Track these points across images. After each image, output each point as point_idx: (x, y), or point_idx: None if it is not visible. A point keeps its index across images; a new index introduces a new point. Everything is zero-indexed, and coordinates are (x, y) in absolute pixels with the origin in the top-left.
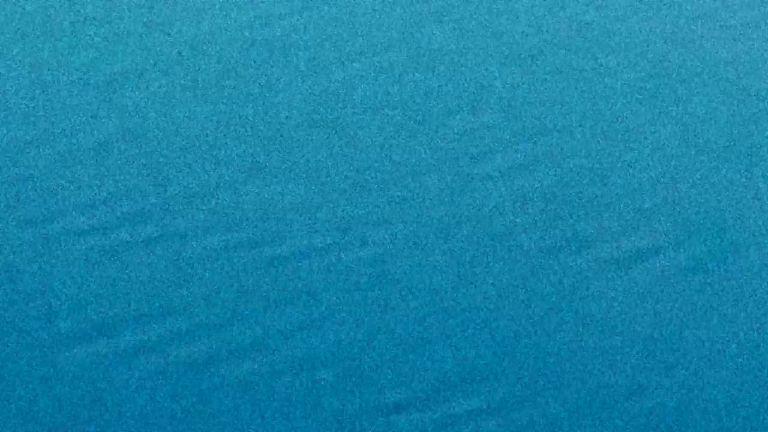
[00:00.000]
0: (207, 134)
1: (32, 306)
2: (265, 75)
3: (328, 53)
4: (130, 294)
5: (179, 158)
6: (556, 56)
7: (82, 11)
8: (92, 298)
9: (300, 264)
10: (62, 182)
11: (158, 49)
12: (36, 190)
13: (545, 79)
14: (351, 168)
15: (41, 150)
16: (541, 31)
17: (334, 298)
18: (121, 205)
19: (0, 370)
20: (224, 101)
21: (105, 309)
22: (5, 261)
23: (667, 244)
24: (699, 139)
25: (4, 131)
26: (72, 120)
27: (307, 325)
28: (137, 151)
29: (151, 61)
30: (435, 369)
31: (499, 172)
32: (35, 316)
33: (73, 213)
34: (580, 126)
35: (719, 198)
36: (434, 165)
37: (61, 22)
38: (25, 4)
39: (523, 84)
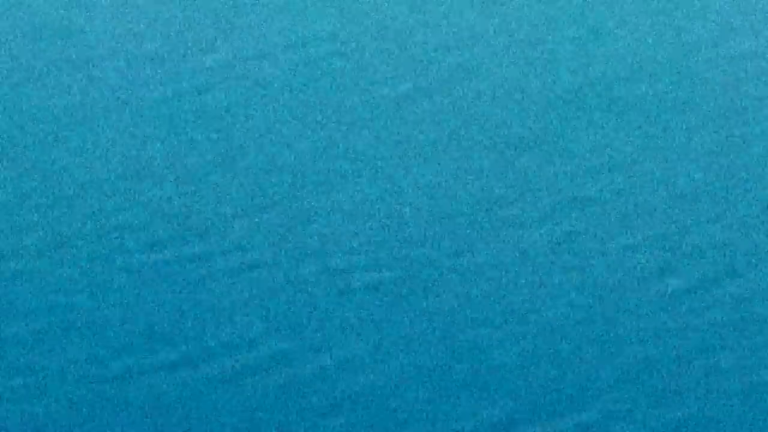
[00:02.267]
0: (223, 163)
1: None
2: (279, 103)
3: (347, 80)
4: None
5: (198, 185)
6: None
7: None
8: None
9: (318, 286)
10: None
11: (167, 80)
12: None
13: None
14: (376, 196)
15: (71, 175)
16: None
17: (350, 318)
18: (144, 230)
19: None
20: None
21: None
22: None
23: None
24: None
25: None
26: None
27: (326, 344)
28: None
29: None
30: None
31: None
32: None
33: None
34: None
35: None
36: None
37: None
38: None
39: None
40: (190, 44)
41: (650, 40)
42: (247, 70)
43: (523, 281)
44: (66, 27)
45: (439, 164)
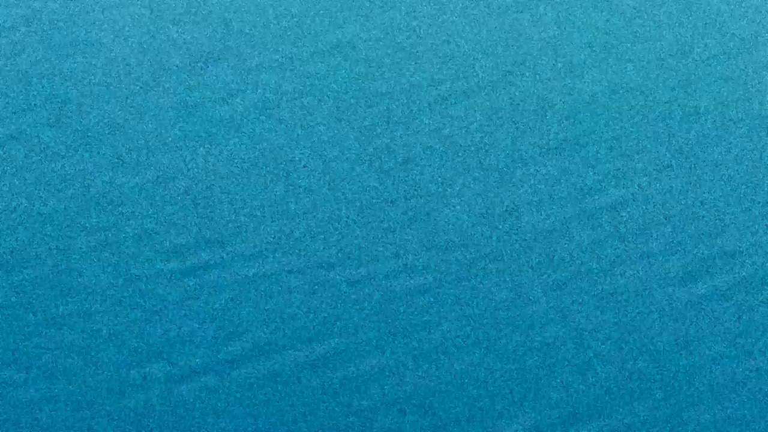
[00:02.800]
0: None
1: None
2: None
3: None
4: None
5: (238, 188)
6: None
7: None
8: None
9: (361, 288)
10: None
11: (199, 88)
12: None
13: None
14: (410, 198)
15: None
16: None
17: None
18: (172, 237)
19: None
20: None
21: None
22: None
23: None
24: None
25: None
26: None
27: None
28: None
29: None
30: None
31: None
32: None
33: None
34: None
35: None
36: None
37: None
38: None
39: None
40: (209, 55)
41: (671, 48)
42: (266, 79)
43: (548, 287)
44: (88, 40)
45: (462, 171)
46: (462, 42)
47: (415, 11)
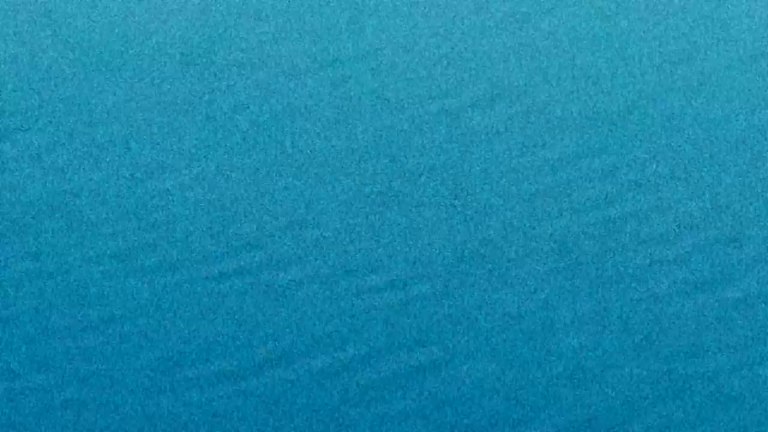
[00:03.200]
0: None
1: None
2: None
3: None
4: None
5: (272, 194)
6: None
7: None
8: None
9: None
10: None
11: (219, 94)
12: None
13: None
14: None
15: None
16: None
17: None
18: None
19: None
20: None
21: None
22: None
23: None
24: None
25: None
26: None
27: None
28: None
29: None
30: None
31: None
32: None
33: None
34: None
35: None
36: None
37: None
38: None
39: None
40: (227, 63)
41: (689, 57)
42: (290, 86)
43: (572, 295)
44: (114, 45)
45: (482, 179)
46: (480, 51)
47: (433, 20)
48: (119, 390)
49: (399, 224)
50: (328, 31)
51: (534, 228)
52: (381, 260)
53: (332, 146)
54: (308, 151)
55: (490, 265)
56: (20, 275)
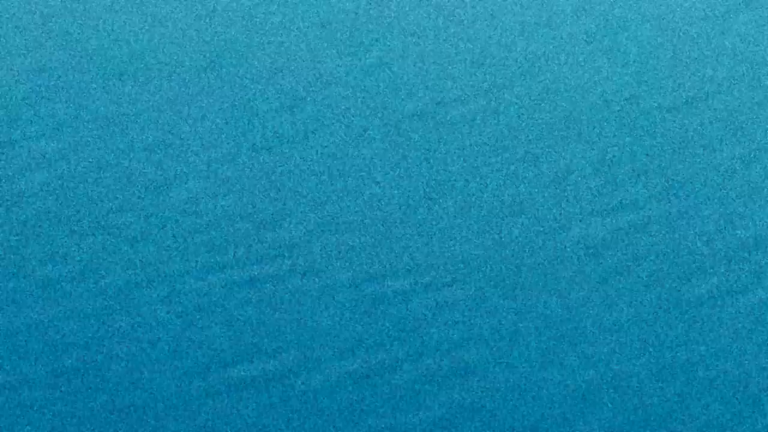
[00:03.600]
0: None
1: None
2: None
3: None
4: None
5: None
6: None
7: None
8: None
9: (404, 303)
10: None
11: (250, 105)
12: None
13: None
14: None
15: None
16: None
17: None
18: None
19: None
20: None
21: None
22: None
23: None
24: None
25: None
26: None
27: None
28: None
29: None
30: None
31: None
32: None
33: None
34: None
35: None
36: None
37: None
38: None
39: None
40: (251, 71)
41: (718, 62)
42: (310, 96)
43: (595, 300)
44: (128, 52)
45: (510, 185)
46: (501, 60)
47: (459, 26)
48: (148, 397)
49: (428, 229)
50: (352, 38)
51: (564, 233)
52: (409, 266)
53: (358, 153)
54: (334, 158)
55: (521, 271)
56: (40, 282)
